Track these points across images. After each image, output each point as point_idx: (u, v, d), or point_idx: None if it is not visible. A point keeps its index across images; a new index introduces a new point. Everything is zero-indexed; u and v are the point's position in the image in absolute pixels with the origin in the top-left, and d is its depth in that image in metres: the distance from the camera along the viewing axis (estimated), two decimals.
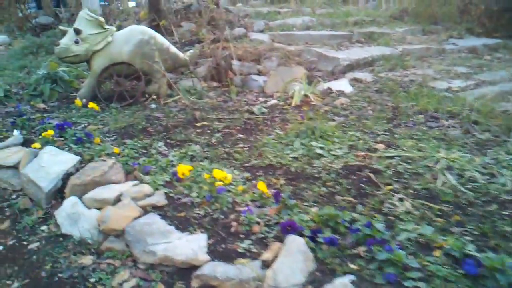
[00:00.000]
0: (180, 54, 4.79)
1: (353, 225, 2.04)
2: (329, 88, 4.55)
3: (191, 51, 5.22)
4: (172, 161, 2.93)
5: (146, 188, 2.49)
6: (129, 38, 4.44)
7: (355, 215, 2.15)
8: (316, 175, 2.61)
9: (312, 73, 4.98)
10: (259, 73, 5.13)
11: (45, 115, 4.17)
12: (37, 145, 3.31)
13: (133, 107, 4.28)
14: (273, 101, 4.26)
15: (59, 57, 4.38)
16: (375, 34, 6.39)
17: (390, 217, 2.16)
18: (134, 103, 4.38)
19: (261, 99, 4.40)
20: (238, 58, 5.31)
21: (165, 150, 3.17)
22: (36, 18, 9.39)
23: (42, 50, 6.41)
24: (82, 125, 3.81)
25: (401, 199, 2.31)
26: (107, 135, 3.51)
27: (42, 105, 4.53)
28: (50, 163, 2.86)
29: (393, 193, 2.36)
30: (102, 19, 4.40)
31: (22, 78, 5.47)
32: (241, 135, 3.35)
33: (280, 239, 2.00)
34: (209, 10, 6.82)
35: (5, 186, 3.02)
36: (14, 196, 2.90)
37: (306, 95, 4.19)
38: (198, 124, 3.57)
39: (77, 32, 4.31)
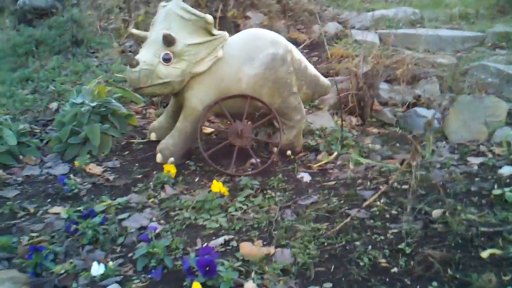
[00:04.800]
0: (321, 78, 2.87)
1: None
2: None
3: None
4: None
5: None
6: (253, 52, 2.52)
7: None
8: None
9: None
10: (417, 102, 3.34)
11: (118, 202, 2.20)
12: None
13: (272, 180, 2.39)
14: (507, 170, 2.50)
15: (135, 87, 2.39)
16: None
17: None
18: (267, 169, 2.49)
19: (473, 161, 2.63)
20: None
21: None
22: None
23: (44, 49, 4.24)
24: (218, 239, 1.92)
25: None
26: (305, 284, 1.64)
27: (95, 168, 2.55)
28: None
29: None
30: (209, 17, 2.44)
31: (30, 102, 3.38)
32: None
33: None
34: None
35: None
36: None
37: None
38: (484, 255, 1.76)
39: (169, 41, 2.34)
